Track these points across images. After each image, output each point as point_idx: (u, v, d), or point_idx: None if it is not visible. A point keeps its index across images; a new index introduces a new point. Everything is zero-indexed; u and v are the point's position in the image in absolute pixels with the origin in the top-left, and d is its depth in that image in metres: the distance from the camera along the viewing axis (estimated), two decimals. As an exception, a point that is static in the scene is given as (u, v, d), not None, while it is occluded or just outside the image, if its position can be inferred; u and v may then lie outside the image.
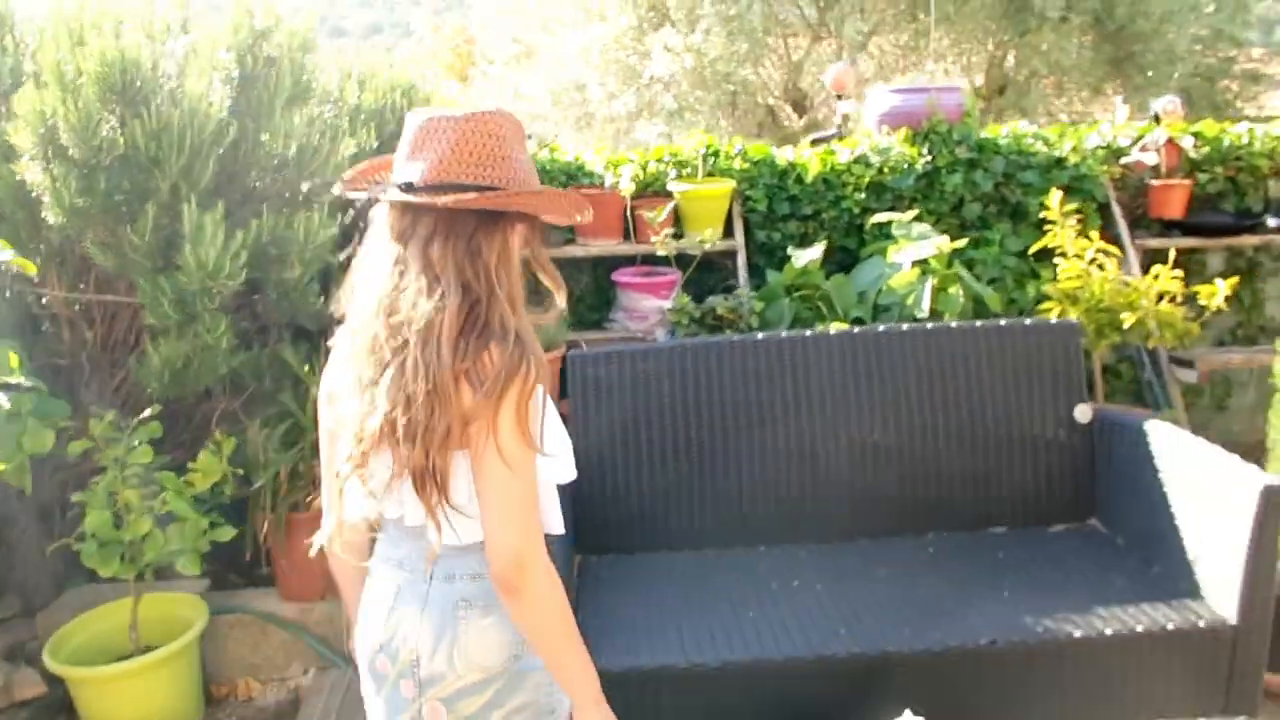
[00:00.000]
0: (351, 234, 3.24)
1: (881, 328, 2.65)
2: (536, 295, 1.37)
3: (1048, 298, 3.13)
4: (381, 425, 1.23)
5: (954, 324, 2.66)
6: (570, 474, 1.39)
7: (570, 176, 3.59)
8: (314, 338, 3.07)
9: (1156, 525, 2.36)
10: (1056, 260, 3.09)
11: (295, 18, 2.71)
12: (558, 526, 1.39)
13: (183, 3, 2.80)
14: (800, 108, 9.00)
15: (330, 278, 3.29)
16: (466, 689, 1.32)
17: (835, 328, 2.81)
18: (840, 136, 3.85)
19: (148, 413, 2.62)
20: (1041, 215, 3.19)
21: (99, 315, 2.83)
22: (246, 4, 2.60)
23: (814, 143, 3.86)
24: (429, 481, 1.22)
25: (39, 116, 2.26)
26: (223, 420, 2.92)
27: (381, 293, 1.25)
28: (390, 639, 1.35)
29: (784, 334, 2.64)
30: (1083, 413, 2.61)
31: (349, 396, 1.28)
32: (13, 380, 2.27)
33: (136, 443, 2.53)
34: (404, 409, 1.21)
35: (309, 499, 2.85)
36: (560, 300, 1.38)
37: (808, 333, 2.64)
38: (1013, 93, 8.28)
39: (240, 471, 2.74)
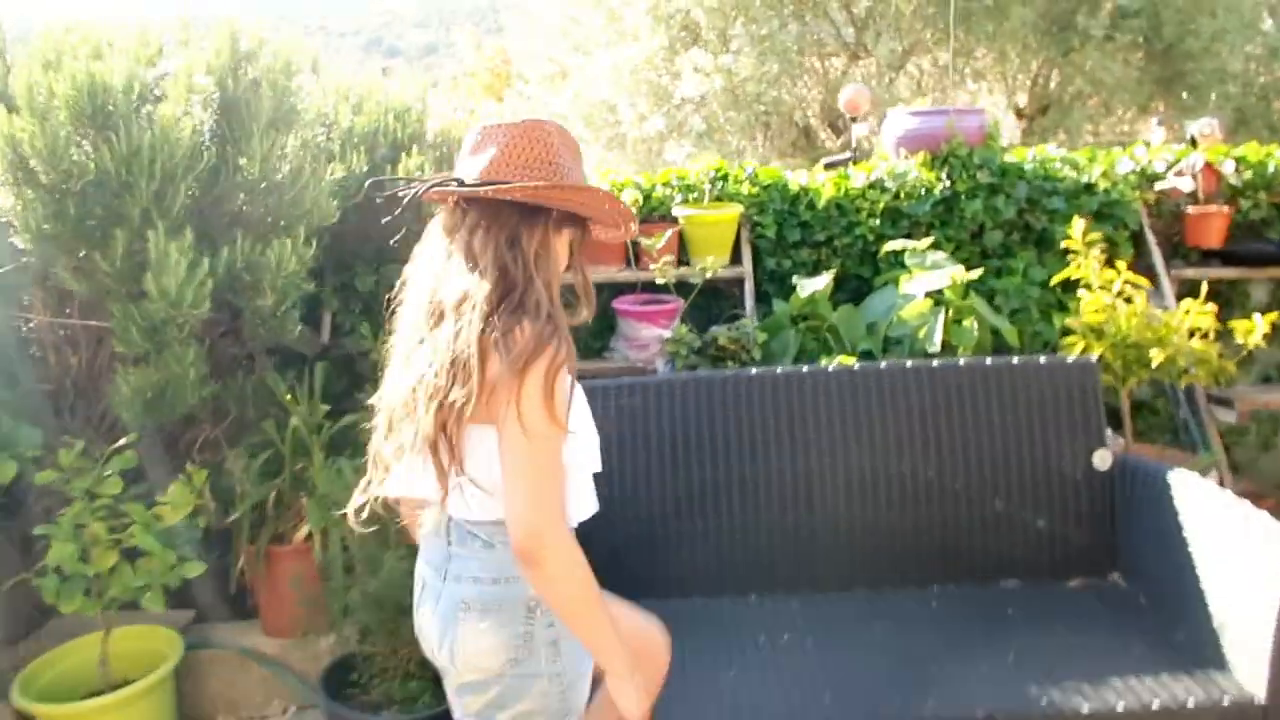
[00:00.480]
0: (329, 261, 3.20)
1: (884, 364, 2.49)
2: (566, 306, 1.42)
3: (1071, 331, 2.94)
4: (407, 392, 1.32)
5: (962, 361, 2.50)
6: (596, 465, 1.47)
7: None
8: (304, 363, 3.00)
9: (1183, 584, 2.17)
10: (1080, 292, 2.90)
11: (280, 40, 2.65)
12: (590, 509, 1.47)
13: (184, 24, 2.76)
14: (837, 128, 8.84)
15: (320, 305, 3.23)
16: (467, 686, 1.42)
17: (837, 363, 2.66)
18: (855, 160, 3.70)
19: (123, 441, 2.56)
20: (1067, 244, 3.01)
21: (83, 341, 2.78)
22: (231, 28, 2.54)
23: (828, 166, 3.72)
24: (441, 445, 1.28)
25: (8, 141, 2.21)
26: (205, 448, 2.86)
27: (428, 280, 1.36)
28: (420, 628, 1.50)
29: (779, 370, 2.49)
30: (1102, 458, 2.43)
31: (390, 374, 1.39)
32: (-24, 410, 2.22)
33: (109, 472, 2.47)
34: (427, 376, 1.29)
35: (293, 529, 2.77)
36: (586, 313, 1.47)
37: (805, 369, 2.49)
38: (1056, 112, 8.04)
39: (213, 505, 2.67)
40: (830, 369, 2.49)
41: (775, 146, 8.22)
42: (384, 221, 1.68)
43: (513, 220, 1.33)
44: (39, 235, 2.25)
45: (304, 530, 2.71)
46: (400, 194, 1.42)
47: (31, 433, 2.49)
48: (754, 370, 2.50)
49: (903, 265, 3.28)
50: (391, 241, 1.75)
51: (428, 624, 1.47)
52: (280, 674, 2.77)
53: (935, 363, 2.49)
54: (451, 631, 1.40)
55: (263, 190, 2.49)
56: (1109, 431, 3.26)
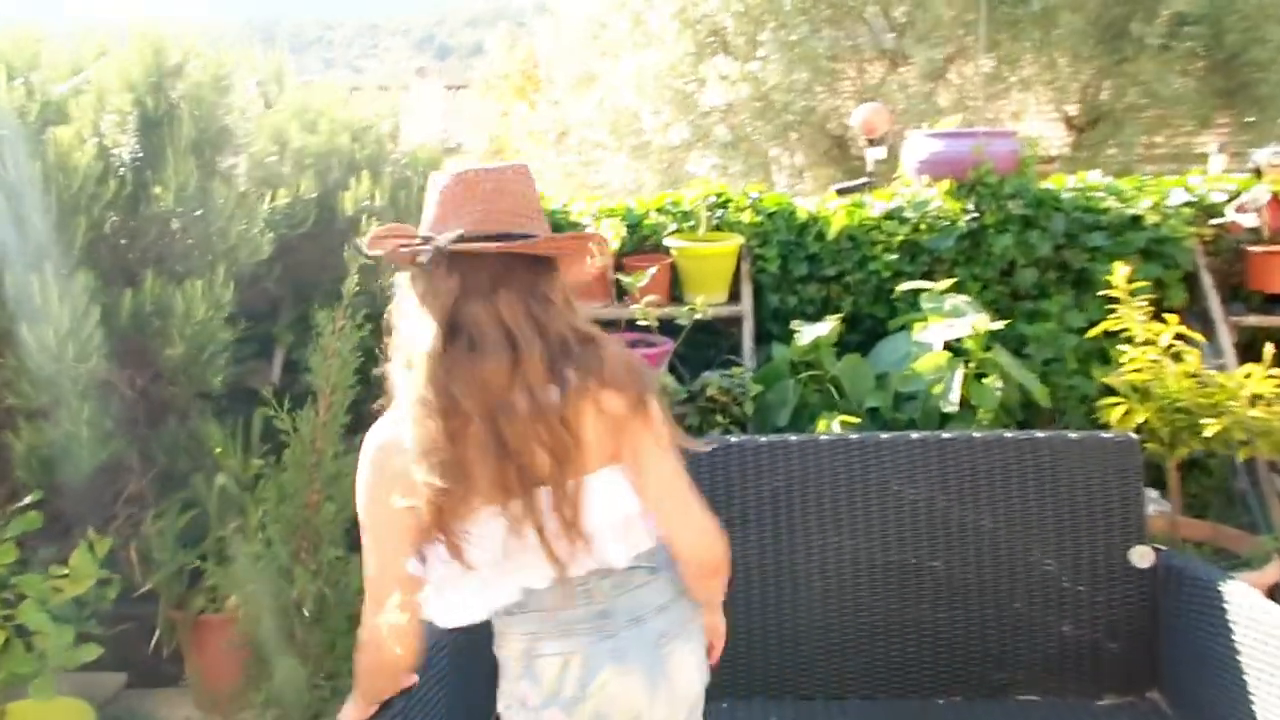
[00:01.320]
0: (284, 293, 2.91)
1: (884, 436, 2.13)
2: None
3: (1112, 390, 2.56)
4: (499, 480, 1.19)
5: (978, 434, 2.13)
6: None
7: (554, 228, 3.16)
8: (249, 406, 2.72)
9: (1233, 711, 1.80)
10: (1121, 346, 2.52)
11: (214, 52, 2.37)
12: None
13: (103, 34, 2.49)
14: (874, 139, 8.43)
15: (273, 341, 2.95)
16: None
17: (836, 428, 2.31)
18: (872, 186, 3.34)
19: (28, 499, 2.30)
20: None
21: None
22: (154, 37, 2.26)
23: (840, 192, 3.36)
24: (563, 526, 1.20)
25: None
26: (130, 502, 2.59)
27: (438, 367, 1.19)
28: (614, 700, 1.29)
29: (763, 439, 2.15)
30: (1141, 555, 2.05)
31: (430, 472, 1.18)
32: None
33: (6, 537, 2.20)
34: (519, 458, 1.18)
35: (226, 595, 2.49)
36: None
37: (793, 438, 2.15)
38: (1108, 125, 7.55)
39: (138, 567, 2.40)
40: (823, 439, 2.14)
41: (807, 160, 7.83)
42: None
43: (528, 275, 1.22)
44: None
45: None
46: (381, 250, 1.24)
47: (-76, 490, 2.23)
48: (732, 439, 2.16)
49: (917, 308, 2.92)
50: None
51: (626, 690, 1.30)
52: (206, 753, 2.49)
53: (945, 434, 2.13)
54: (663, 670, 1.32)
55: (181, 222, 2.20)
56: (1154, 495, 2.87)
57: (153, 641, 2.44)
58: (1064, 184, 3.12)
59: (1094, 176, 3.18)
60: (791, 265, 3.10)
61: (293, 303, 2.94)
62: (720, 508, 2.09)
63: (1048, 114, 8.27)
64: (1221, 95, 7.05)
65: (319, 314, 1.88)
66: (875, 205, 3.13)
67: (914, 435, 2.13)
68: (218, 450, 2.45)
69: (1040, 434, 2.12)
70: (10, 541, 2.17)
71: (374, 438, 1.24)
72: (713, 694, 2.10)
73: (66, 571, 2.18)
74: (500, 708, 1.37)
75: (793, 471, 2.13)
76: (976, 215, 3.00)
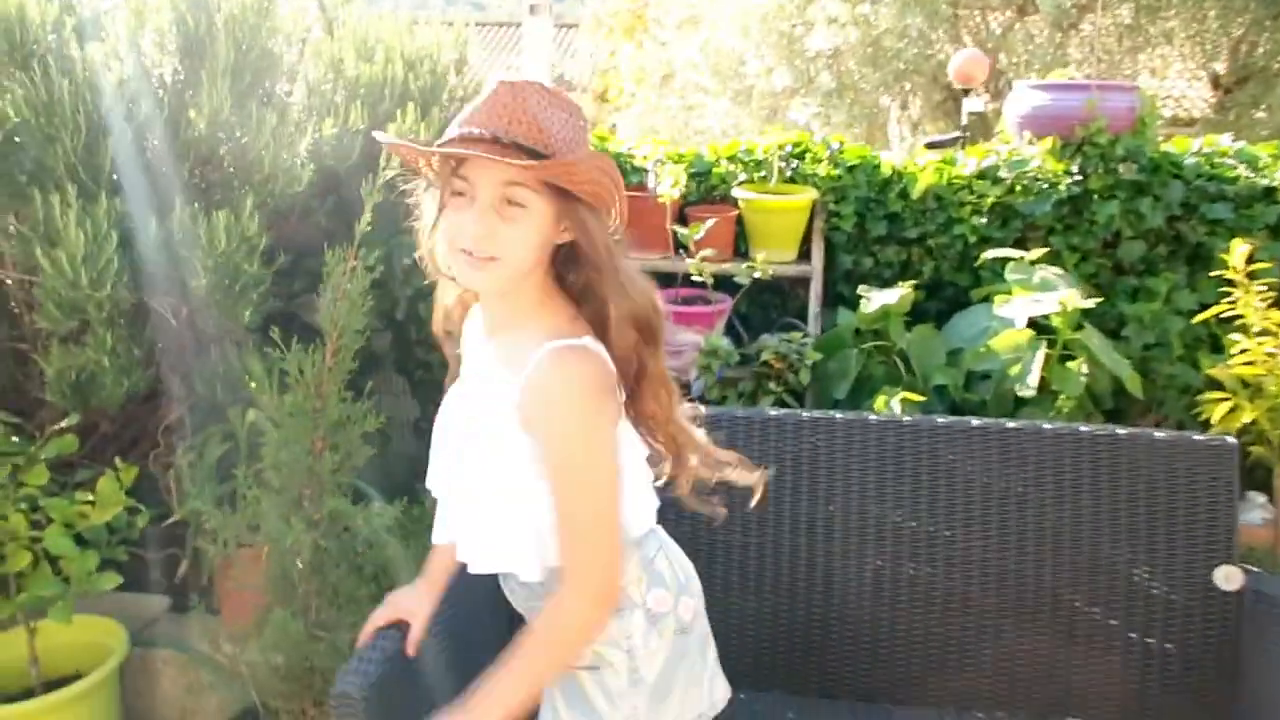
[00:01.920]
0: (332, 228, 2.82)
1: (941, 420, 1.92)
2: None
3: (1219, 384, 2.28)
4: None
5: (1048, 425, 1.90)
6: None
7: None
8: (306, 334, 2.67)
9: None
10: (1234, 335, 2.23)
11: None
12: None
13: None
14: (996, 91, 7.90)
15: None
16: None
17: (887, 408, 2.11)
18: (966, 141, 3.05)
19: (65, 423, 2.30)
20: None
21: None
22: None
23: (930, 146, 3.08)
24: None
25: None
26: (170, 431, 2.58)
27: None
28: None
29: (804, 414, 1.97)
30: (1227, 577, 1.80)
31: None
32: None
33: (44, 458, 2.21)
34: None
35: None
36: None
37: (839, 416, 1.96)
38: (1258, 85, 6.88)
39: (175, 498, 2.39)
40: (872, 419, 1.95)
41: (921, 111, 7.39)
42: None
43: (579, 211, 1.16)
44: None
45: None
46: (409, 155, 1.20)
47: (-31, 405, 2.25)
48: (772, 412, 1.99)
49: (1003, 277, 2.66)
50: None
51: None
52: (216, 675, 2.49)
53: (1011, 423, 1.91)
54: None
55: (217, 150, 2.13)
56: (1260, 500, 2.57)
57: (180, 570, 2.44)
58: (1187, 147, 2.78)
59: (1225, 140, 2.82)
60: (869, 224, 2.86)
61: (341, 237, 2.87)
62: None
63: (1191, 71, 7.60)
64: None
65: (328, 253, 1.77)
66: (968, 163, 2.85)
67: (975, 421, 1.91)
68: (253, 384, 2.40)
69: (1121, 430, 1.88)
70: (42, 463, 2.18)
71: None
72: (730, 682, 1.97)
73: (93, 498, 2.18)
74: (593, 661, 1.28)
75: (835, 452, 1.94)
76: (1080, 178, 2.70)
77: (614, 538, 1.19)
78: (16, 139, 1.96)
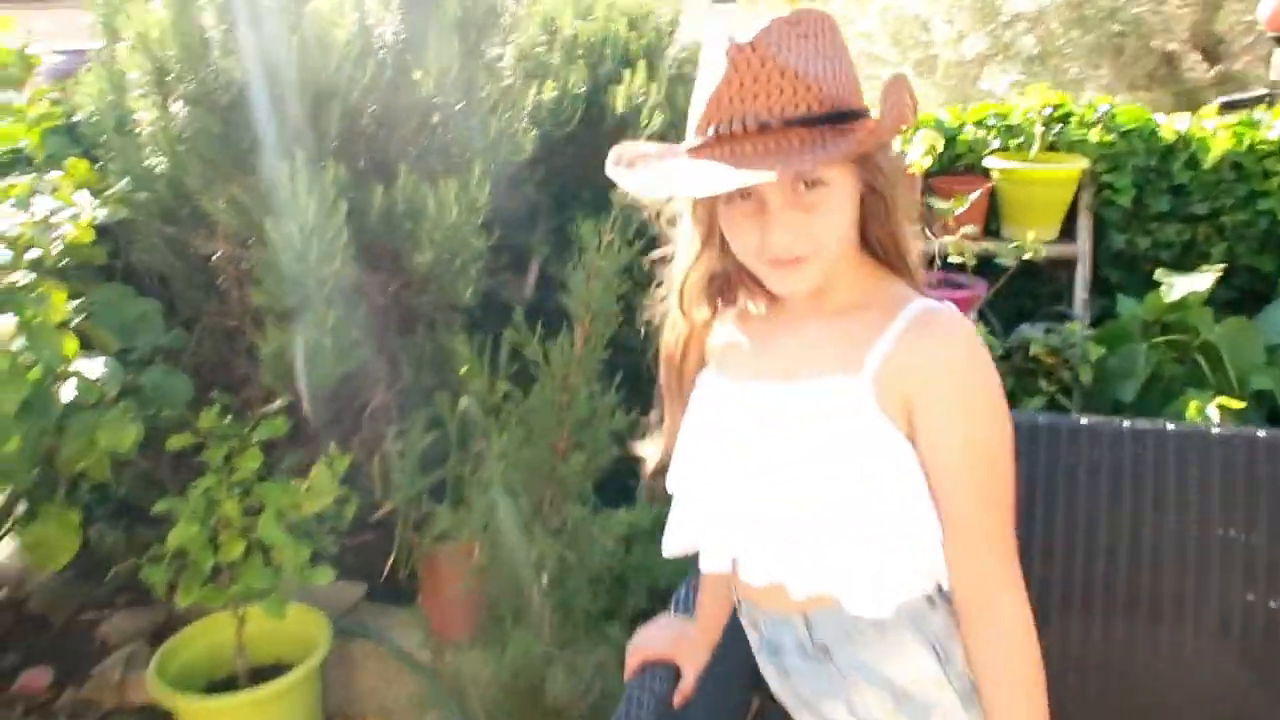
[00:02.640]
0: (541, 201, 2.63)
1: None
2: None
3: None
4: None
5: None
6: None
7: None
8: (499, 321, 2.50)
9: None
10: None
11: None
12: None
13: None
14: (1212, 55, 7.11)
15: (528, 253, 2.71)
16: None
17: (1203, 416, 1.75)
18: (1271, 101, 2.59)
19: (277, 404, 2.20)
20: None
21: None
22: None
23: (1225, 108, 2.63)
24: None
25: (142, 40, 1.82)
26: (375, 416, 2.46)
27: None
28: None
29: (1124, 424, 1.63)
30: None
31: None
32: (97, 358, 1.89)
33: (255, 440, 2.11)
34: None
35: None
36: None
37: (1137, 425, 1.59)
38: None
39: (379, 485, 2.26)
40: (1181, 429, 1.58)
41: (1126, 76, 6.71)
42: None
43: (875, 156, 0.95)
44: (174, 153, 1.86)
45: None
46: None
47: (182, 385, 2.17)
48: (1082, 420, 1.65)
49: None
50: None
51: None
52: (429, 685, 2.36)
53: None
54: None
55: (440, 114, 1.95)
56: None
57: (388, 564, 2.30)
58: None
59: None
60: (1149, 199, 2.46)
61: (551, 210, 2.68)
62: (1060, 508, 1.63)
63: None
64: None
65: (583, 226, 1.55)
66: (1274, 126, 2.41)
67: (1356, 442, 1.53)
68: (463, 369, 2.24)
69: None
70: (256, 447, 2.07)
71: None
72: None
73: (307, 485, 2.06)
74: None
75: (1124, 470, 1.58)
76: None
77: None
78: (242, 101, 1.83)
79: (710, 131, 0.89)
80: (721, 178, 0.87)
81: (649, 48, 2.36)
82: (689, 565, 1.17)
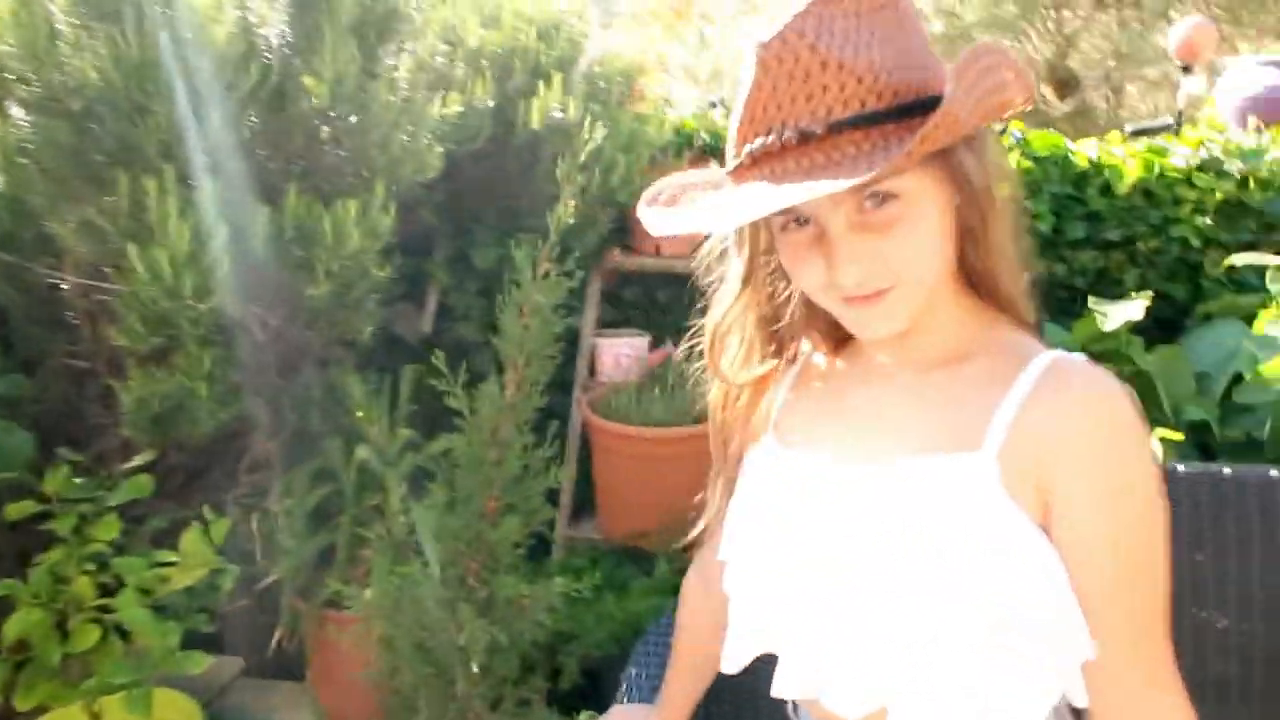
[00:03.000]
0: (442, 224, 2.42)
1: (1237, 473, 1.48)
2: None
3: None
4: None
5: None
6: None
7: (704, 155, 2.59)
8: (392, 357, 2.26)
9: None
10: None
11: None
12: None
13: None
14: (1064, 89, 7.47)
15: (426, 281, 2.48)
16: None
17: (1161, 444, 1.70)
18: (1176, 129, 2.63)
19: (138, 460, 1.89)
20: None
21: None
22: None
23: (1134, 135, 2.66)
24: None
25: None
26: (255, 468, 2.17)
27: None
28: None
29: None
30: None
31: None
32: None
33: (112, 504, 1.81)
34: None
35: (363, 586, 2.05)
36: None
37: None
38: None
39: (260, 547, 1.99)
40: (1181, 470, 1.52)
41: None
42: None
43: (959, 152, 0.78)
44: (13, 169, 1.56)
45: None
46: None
47: (21, 440, 1.84)
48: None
49: (1243, 287, 2.25)
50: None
51: None
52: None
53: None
54: None
55: (333, 128, 1.72)
56: None
57: (275, 637, 2.02)
58: None
59: None
60: (1066, 224, 2.44)
61: (451, 235, 2.46)
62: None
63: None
64: None
65: (518, 252, 1.35)
66: (1180, 153, 2.43)
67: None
68: (359, 414, 1.99)
69: None
70: (113, 512, 1.77)
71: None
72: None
73: (175, 558, 1.77)
74: None
75: None
76: (1330, 172, 2.28)
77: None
78: (97, 109, 1.55)
79: (745, 150, 0.72)
80: (728, 213, 0.71)
81: (562, 60, 2.18)
82: (632, 636, 1.00)
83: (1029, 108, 0.75)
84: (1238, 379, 2.03)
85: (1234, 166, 2.35)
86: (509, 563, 1.35)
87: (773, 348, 0.89)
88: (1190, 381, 2.06)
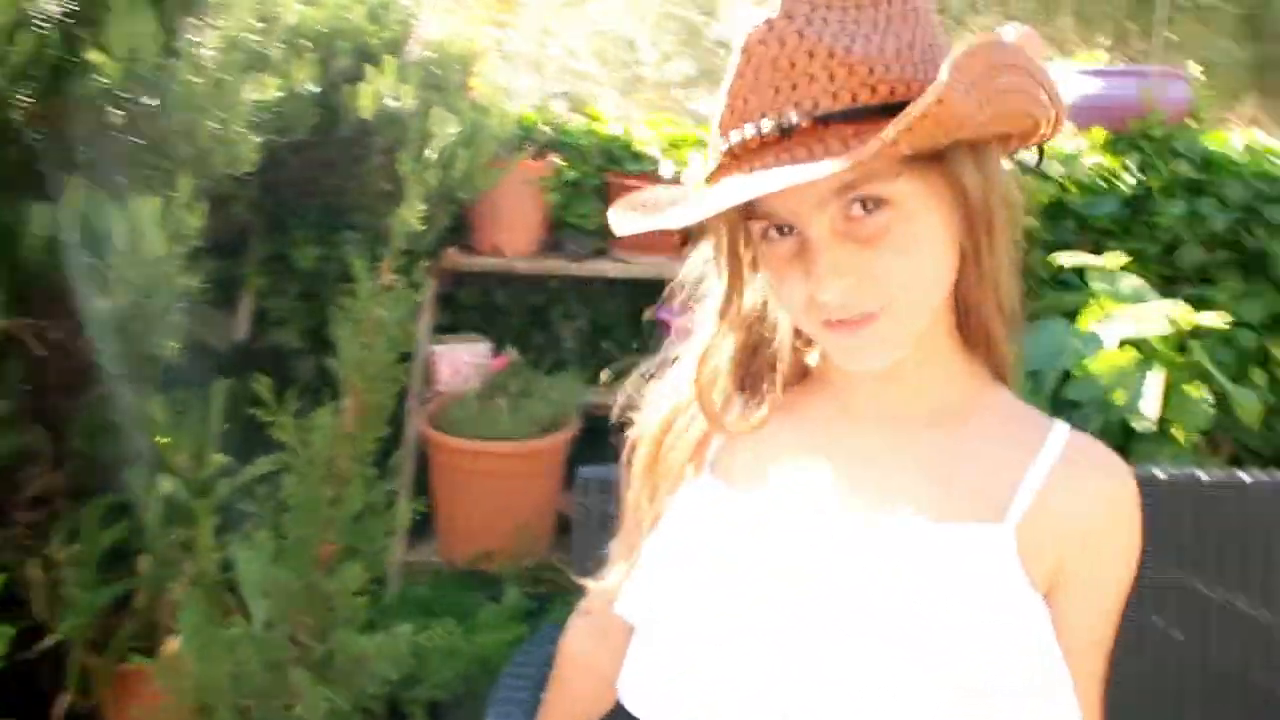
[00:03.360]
0: (256, 222, 2.22)
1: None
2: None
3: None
4: None
5: (1204, 476, 1.55)
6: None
7: (611, 159, 2.50)
8: (200, 371, 2.02)
9: None
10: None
11: None
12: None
13: None
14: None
15: (238, 285, 2.25)
16: None
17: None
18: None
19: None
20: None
21: None
22: None
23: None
24: None
25: None
26: (36, 504, 1.88)
27: None
28: None
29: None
30: None
31: None
32: None
33: None
34: None
35: (164, 635, 1.81)
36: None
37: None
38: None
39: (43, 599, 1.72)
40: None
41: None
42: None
43: (959, 157, 0.69)
44: None
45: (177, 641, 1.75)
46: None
47: None
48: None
49: (1067, 286, 2.35)
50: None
51: None
52: None
53: (1203, 477, 1.55)
54: None
55: (126, 111, 1.49)
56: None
57: (65, 700, 1.76)
58: (1223, 141, 2.55)
59: (1262, 136, 2.62)
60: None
61: (267, 233, 2.24)
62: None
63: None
64: None
65: (356, 261, 1.19)
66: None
67: (1161, 474, 1.54)
68: (163, 441, 1.76)
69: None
70: None
71: None
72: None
73: (-63, 617, 1.49)
74: None
75: None
76: (1141, 176, 2.42)
77: None
78: None
79: (724, 147, 0.64)
80: (691, 208, 0.63)
81: (393, 43, 2.00)
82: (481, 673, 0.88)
83: (1060, 129, 0.68)
84: (1066, 376, 2.11)
85: (1055, 171, 2.46)
86: (346, 616, 1.19)
87: (741, 383, 0.80)
88: (1023, 380, 2.13)
